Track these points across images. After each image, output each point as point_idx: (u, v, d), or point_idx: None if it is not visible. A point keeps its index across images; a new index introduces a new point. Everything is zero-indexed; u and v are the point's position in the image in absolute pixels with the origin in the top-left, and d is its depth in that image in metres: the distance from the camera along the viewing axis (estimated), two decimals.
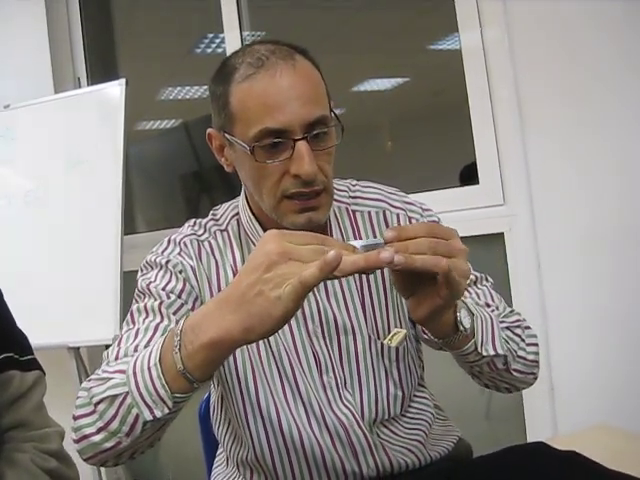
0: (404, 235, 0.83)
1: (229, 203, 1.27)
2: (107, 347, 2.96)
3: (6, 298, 1.12)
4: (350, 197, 1.26)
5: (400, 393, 1.19)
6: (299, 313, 1.15)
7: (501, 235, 2.02)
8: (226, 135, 1.12)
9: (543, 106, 1.93)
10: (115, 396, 0.90)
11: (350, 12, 2.58)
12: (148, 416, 0.88)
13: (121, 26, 3.19)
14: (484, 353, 1.01)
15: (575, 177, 1.90)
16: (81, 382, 2.33)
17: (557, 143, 1.92)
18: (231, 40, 2.59)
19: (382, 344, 1.18)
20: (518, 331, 1.13)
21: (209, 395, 1.45)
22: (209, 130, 1.18)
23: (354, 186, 1.28)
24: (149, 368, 0.87)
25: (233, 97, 1.08)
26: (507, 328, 1.11)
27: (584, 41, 1.87)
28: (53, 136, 2.50)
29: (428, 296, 0.88)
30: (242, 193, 1.23)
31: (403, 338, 1.19)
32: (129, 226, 2.75)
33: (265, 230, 1.16)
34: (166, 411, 0.87)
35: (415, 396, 1.25)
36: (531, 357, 1.11)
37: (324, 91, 1.11)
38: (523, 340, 1.12)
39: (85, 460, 0.96)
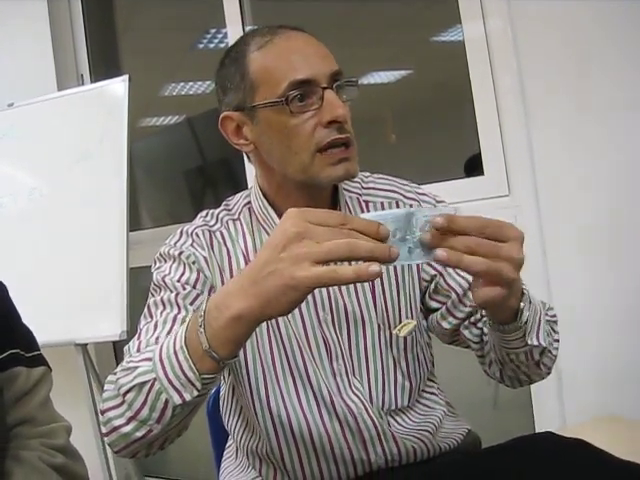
0: (454, 227, 0.80)
1: (241, 193, 1.28)
2: (115, 344, 2.97)
3: (12, 295, 1.12)
4: (363, 188, 1.26)
5: (408, 384, 1.20)
6: (310, 300, 1.16)
7: None
8: (248, 107, 1.12)
9: (547, 96, 1.93)
10: (143, 383, 0.90)
11: (353, 5, 2.57)
12: (177, 400, 0.88)
13: (123, 22, 3.19)
14: (529, 342, 1.00)
15: (579, 167, 1.89)
16: (89, 378, 2.34)
17: (561, 133, 1.91)
18: (234, 35, 2.58)
19: (391, 334, 1.18)
20: (555, 327, 1.13)
21: (217, 390, 1.45)
22: (223, 114, 1.16)
23: (367, 177, 1.29)
24: (175, 352, 0.87)
25: (251, 66, 1.11)
26: (548, 322, 1.10)
27: (587, 30, 1.86)
28: (57, 133, 2.49)
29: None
30: (254, 181, 1.23)
31: (412, 329, 1.20)
32: (134, 222, 2.75)
33: (280, 215, 1.17)
34: (195, 393, 0.88)
35: (424, 391, 1.25)
36: (555, 352, 1.11)
37: None
38: (554, 335, 1.12)
39: (116, 452, 0.97)
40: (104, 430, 0.96)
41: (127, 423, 0.92)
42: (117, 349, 2.99)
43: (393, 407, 1.19)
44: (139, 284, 2.48)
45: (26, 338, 1.10)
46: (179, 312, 1.08)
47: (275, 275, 0.78)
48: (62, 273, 2.35)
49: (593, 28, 1.85)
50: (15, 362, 1.04)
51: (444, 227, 0.79)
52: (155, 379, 0.89)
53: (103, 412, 0.95)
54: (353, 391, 1.16)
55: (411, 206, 1.23)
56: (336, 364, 1.16)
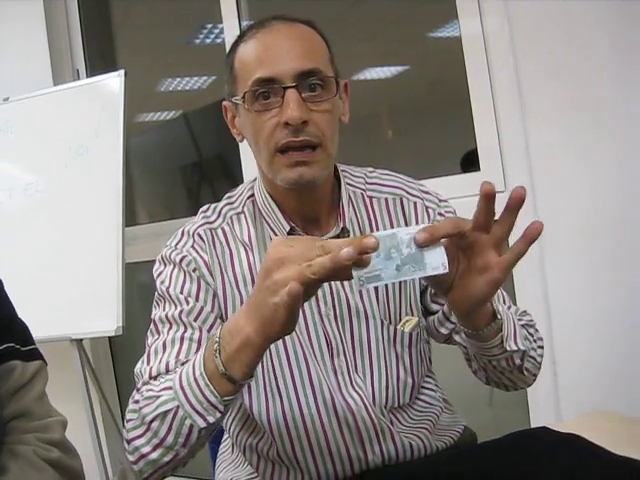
0: (437, 235, 0.85)
1: (243, 185, 1.28)
2: (110, 339, 2.96)
3: (8, 291, 1.12)
4: (367, 183, 1.26)
5: (410, 380, 1.19)
6: None
7: None
8: (232, 99, 1.15)
9: (543, 92, 1.93)
10: (166, 412, 0.94)
11: (349, 0, 2.57)
12: (202, 424, 0.92)
13: (119, 17, 3.17)
14: (508, 348, 1.02)
15: (576, 163, 1.89)
16: (84, 374, 2.33)
17: (558, 129, 1.91)
18: (230, 30, 2.57)
19: (395, 329, 1.18)
20: (531, 330, 1.14)
21: None
22: (223, 102, 1.20)
23: (371, 172, 1.28)
24: (195, 379, 0.92)
25: (235, 60, 1.13)
26: (523, 326, 1.12)
27: (584, 27, 1.86)
28: (53, 128, 2.49)
29: (474, 285, 0.90)
30: (258, 173, 1.23)
31: (416, 324, 1.20)
32: (130, 218, 2.75)
33: (281, 209, 1.18)
34: (218, 415, 0.92)
35: (423, 387, 1.25)
36: (539, 359, 1.13)
37: (323, 52, 1.13)
38: (535, 341, 1.13)
39: (146, 479, 1.00)
40: (132, 458, 0.99)
41: (153, 450, 0.96)
42: (113, 344, 2.99)
43: (396, 405, 1.18)
44: (135, 279, 2.48)
45: (22, 332, 1.10)
46: (185, 331, 1.09)
47: (264, 304, 0.83)
48: (58, 268, 2.35)
49: (590, 25, 1.85)
50: (11, 355, 1.04)
51: (428, 240, 0.83)
52: (178, 406, 0.93)
53: (129, 441, 0.99)
54: (354, 388, 1.15)
55: (415, 204, 1.23)
56: (337, 360, 1.15)
